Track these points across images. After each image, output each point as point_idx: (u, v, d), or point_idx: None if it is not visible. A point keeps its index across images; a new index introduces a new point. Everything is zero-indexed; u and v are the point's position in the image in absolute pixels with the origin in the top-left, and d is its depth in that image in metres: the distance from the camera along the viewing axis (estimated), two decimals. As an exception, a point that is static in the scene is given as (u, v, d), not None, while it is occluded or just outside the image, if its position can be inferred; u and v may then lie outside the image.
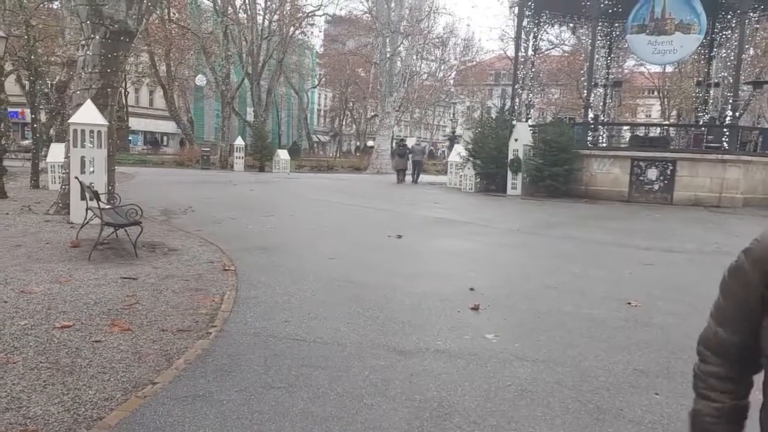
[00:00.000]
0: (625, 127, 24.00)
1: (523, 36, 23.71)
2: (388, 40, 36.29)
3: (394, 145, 35.08)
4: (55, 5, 23.96)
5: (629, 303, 6.08)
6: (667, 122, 39.67)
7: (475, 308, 5.67)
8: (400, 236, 9.98)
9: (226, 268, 7.09)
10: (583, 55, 36.21)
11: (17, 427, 3.07)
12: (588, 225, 13.07)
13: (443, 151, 73.81)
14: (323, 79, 63.64)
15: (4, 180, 13.70)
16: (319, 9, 42.40)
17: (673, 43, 20.65)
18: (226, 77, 33.78)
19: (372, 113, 57.34)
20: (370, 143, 55.14)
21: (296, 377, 3.88)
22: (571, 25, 26.98)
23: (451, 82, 61.05)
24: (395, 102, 37.31)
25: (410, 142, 41.81)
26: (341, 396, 3.62)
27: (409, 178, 27.19)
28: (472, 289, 6.40)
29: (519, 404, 3.59)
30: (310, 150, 57.08)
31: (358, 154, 56.24)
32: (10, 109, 18.14)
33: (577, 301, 6.14)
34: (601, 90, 25.08)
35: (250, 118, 42.19)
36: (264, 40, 38.85)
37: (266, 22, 39.57)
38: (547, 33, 31.06)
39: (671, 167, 18.69)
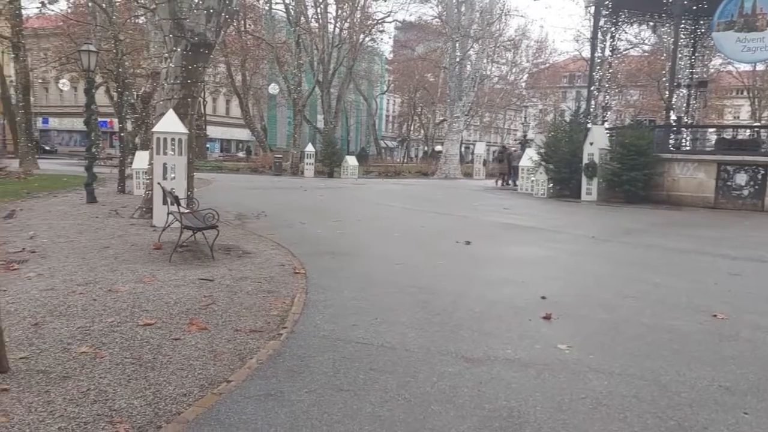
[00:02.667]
0: (711, 130, 22.71)
1: (599, 36, 22.98)
2: (457, 44, 36.09)
3: (462, 149, 35.06)
4: (141, 20, 25.30)
5: (714, 315, 5.75)
6: (757, 124, 37.34)
7: (547, 317, 5.52)
8: (468, 242, 9.88)
9: (297, 271, 7.24)
10: (664, 55, 34.65)
11: (104, 418, 3.24)
12: (669, 232, 12.49)
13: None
14: (392, 85, 64.04)
15: (94, 185, 14.55)
16: (389, 16, 43.01)
17: (764, 40, 19.41)
18: (298, 85, 34.59)
19: (440, 118, 57.13)
20: (438, 148, 54.96)
21: (364, 381, 3.90)
22: (652, 23, 25.88)
23: (523, 85, 60.02)
24: (464, 106, 37.03)
25: (479, 148, 41.42)
26: (409, 401, 3.61)
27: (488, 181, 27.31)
28: (543, 297, 6.25)
29: (594, 417, 3.47)
30: (377, 156, 57.51)
31: (423, 156, 56.18)
32: (99, 119, 19.32)
33: (657, 312, 5.87)
34: (684, 91, 23.89)
35: (320, 125, 43.05)
36: (335, 48, 39.57)
37: (337, 30, 40.31)
38: (626, 32, 29.92)
39: (762, 172, 17.57)
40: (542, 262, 8.77)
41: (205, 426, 3.21)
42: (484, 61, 42.83)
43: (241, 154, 55.03)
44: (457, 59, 36.28)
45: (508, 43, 51.22)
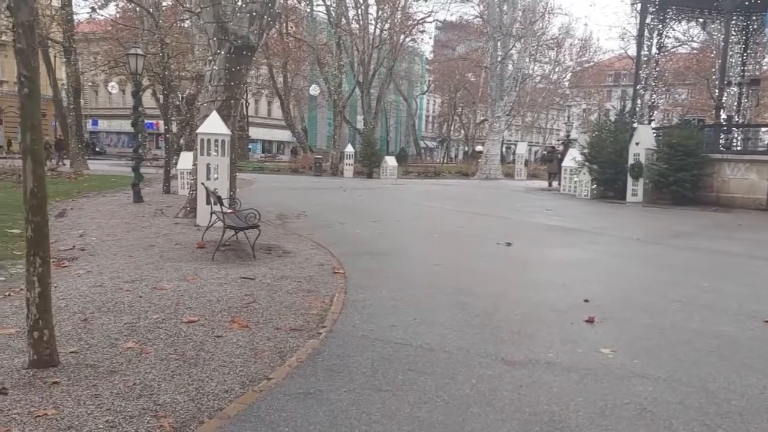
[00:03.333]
0: (764, 129, 21.91)
1: (646, 34, 22.40)
2: (499, 44, 35.74)
3: (504, 149, 34.80)
4: (187, 24, 25.90)
5: (767, 321, 5.54)
6: (813, 123, 35.77)
7: (590, 321, 5.41)
8: (509, 244, 9.76)
9: (336, 271, 7.29)
10: (714, 52, 33.52)
11: (149, 412, 3.32)
12: (718, 235, 12.08)
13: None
14: (432, 85, 63.86)
15: (140, 186, 14.96)
16: (429, 16, 42.85)
17: (820, 35, 18.62)
18: (339, 86, 34.83)
19: (481, 118, 56.68)
20: (478, 148, 54.57)
21: (403, 381, 3.90)
22: (701, 20, 25.07)
23: (566, 84, 59.00)
24: (506, 106, 36.65)
25: (521, 148, 40.91)
26: (447, 403, 3.58)
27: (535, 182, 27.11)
28: (586, 300, 6.12)
29: (638, 424, 3.38)
30: (417, 156, 57.41)
31: (465, 156, 55.81)
32: (146, 121, 19.87)
33: (706, 317, 5.68)
34: (735, 89, 23.05)
35: (360, 125, 43.24)
36: (375, 49, 39.68)
37: (377, 31, 40.40)
38: (674, 30, 29.02)
39: (817, 172, 16.85)
40: (585, 264, 8.60)
41: (246, 422, 3.26)
42: (527, 60, 42.27)
43: (282, 157, 55.77)
44: (499, 58, 35.93)
45: (551, 41, 50.40)
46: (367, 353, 4.40)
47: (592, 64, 57.40)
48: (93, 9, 28.93)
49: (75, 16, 30.01)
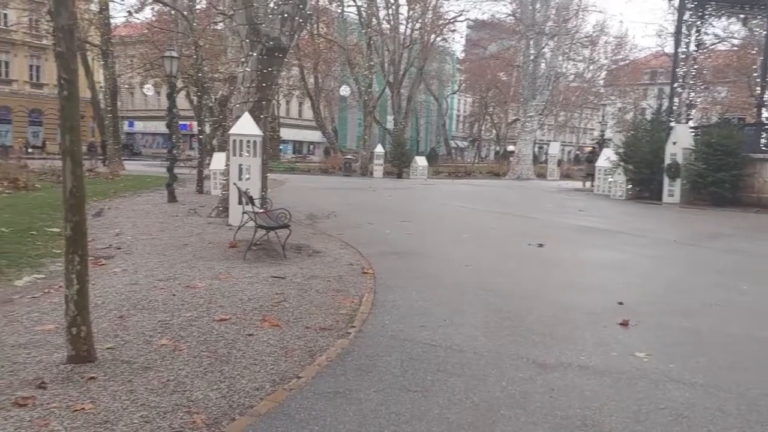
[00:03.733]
0: (807, 127, 21.18)
1: (684, 30, 21.87)
2: (532, 42, 35.36)
3: (536, 149, 34.43)
4: (220, 26, 26.28)
5: (809, 326, 5.36)
6: None
7: (624, 324, 5.30)
8: (541, 245, 9.64)
9: (365, 271, 7.30)
10: (756, 49, 32.55)
11: (182, 408, 3.38)
12: (759, 237, 11.74)
13: (584, 155, 70.24)
14: (463, 85, 63.49)
15: (174, 186, 15.23)
16: (461, 15, 42.69)
17: None
18: (369, 87, 34.90)
19: (513, 117, 56.14)
20: (510, 148, 54.04)
21: (432, 382, 3.88)
22: (742, 16, 24.42)
23: (601, 82, 57.97)
24: (538, 105, 36.24)
25: (554, 148, 40.39)
26: (477, 405, 3.55)
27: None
28: (621, 303, 6.01)
29: (673, 430, 3.30)
30: (447, 156, 57.13)
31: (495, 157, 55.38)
32: (180, 122, 20.22)
33: (745, 322, 5.52)
34: (777, 86, 22.38)
35: (390, 125, 43.25)
36: (405, 49, 39.64)
37: (408, 31, 40.35)
38: (713, 26, 28.33)
39: None
40: (619, 266, 8.44)
41: (276, 420, 3.29)
42: (560, 58, 41.71)
43: (313, 158, 56.17)
44: (531, 57, 35.54)
45: (585, 39, 49.57)
46: (396, 353, 4.40)
47: (627, 62, 56.29)
48: (129, 13, 29.61)
49: (112, 20, 30.69)
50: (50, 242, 8.49)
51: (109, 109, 29.98)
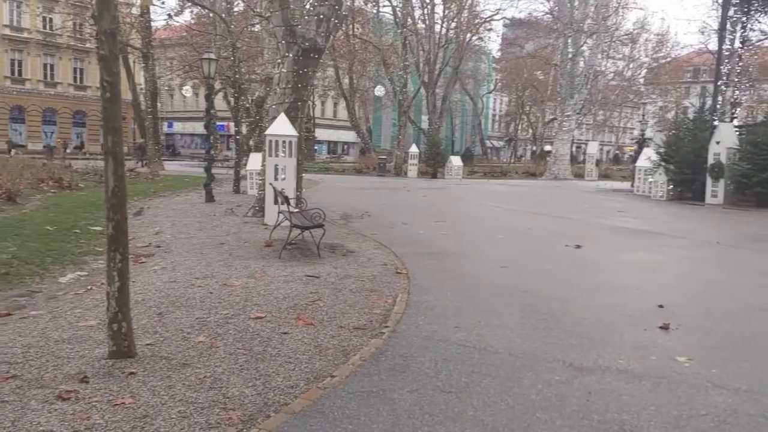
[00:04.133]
0: None
1: (728, 27, 21.26)
2: (570, 40, 34.82)
3: (574, 149, 33.86)
4: (257, 28, 26.65)
5: None
6: None
7: (665, 327, 5.17)
8: (578, 246, 9.48)
9: (399, 271, 7.29)
10: (804, 45, 31.43)
11: (219, 404, 3.43)
12: (806, 239, 11.31)
13: (630, 156, 68.84)
14: (499, 84, 62.96)
15: (212, 186, 15.49)
16: (497, 13, 42.49)
17: None
18: (404, 87, 34.89)
19: (550, 116, 55.38)
20: (547, 148, 53.38)
21: (466, 384, 3.85)
22: (789, 11, 23.55)
23: (641, 80, 56.75)
24: (576, 104, 35.66)
25: (592, 147, 39.69)
26: (512, 407, 3.51)
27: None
28: (661, 306, 5.86)
29: (716, 437, 3.20)
30: (483, 156, 56.75)
31: (531, 159, 54.71)
32: (218, 123, 20.56)
33: (792, 326, 5.33)
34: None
35: (424, 125, 43.13)
36: (441, 48, 39.50)
37: (443, 30, 40.22)
38: (759, 22, 27.37)
39: None
40: (659, 268, 8.24)
41: (311, 418, 3.31)
42: (599, 56, 40.98)
43: (347, 158, 56.45)
44: (569, 55, 35.00)
45: (625, 37, 48.61)
46: (430, 354, 4.38)
47: (669, 59, 54.92)
48: (169, 16, 30.32)
49: (153, 23, 31.44)
50: (93, 240, 8.74)
51: (149, 110, 30.70)
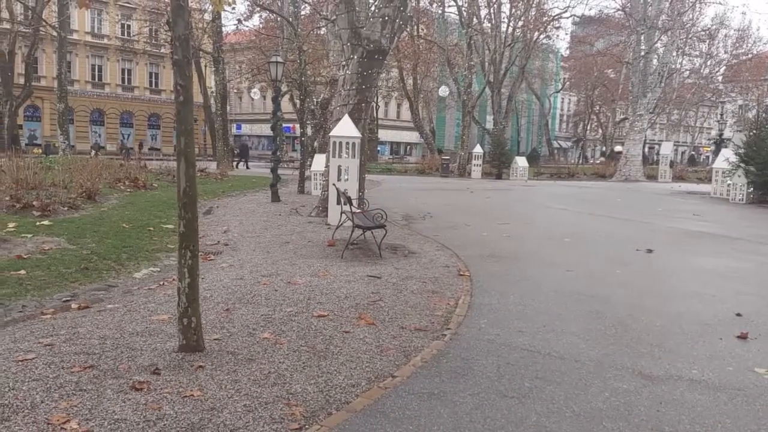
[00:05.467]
0: None
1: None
2: (643, 37, 33.56)
3: (646, 149, 32.55)
4: (323, 31, 27.07)
5: None
6: None
7: (743, 336, 4.90)
8: (650, 251, 9.12)
9: (461, 273, 7.23)
10: None
11: (282, 400, 3.50)
12: None
13: (707, 157, 65.66)
14: (567, 83, 61.43)
15: (278, 186, 15.85)
16: (566, 11, 41.26)
17: None
18: (468, 87, 34.58)
19: (621, 116, 53.55)
20: (617, 148, 51.64)
21: (530, 389, 3.77)
22: None
23: (720, 78, 53.99)
24: (649, 104, 34.30)
25: (666, 148, 38.10)
26: (577, 415, 3.41)
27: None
28: (738, 314, 5.56)
29: (800, 457, 3.00)
30: (550, 156, 55.49)
31: (600, 159, 53.03)
32: (284, 125, 21.03)
33: None
34: None
35: (489, 126, 42.62)
36: (507, 48, 38.91)
37: (510, 29, 39.60)
38: None
39: None
40: (737, 275, 7.80)
41: (372, 417, 3.33)
42: (674, 53, 39.24)
43: (410, 158, 56.54)
44: (642, 53, 33.73)
45: (703, 33, 46.33)
46: (492, 358, 4.32)
47: (750, 56, 52.01)
48: (239, 21, 31.20)
49: (223, 28, 32.48)
50: (165, 238, 9.11)
51: (219, 113, 31.74)
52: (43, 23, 32.33)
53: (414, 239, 9.89)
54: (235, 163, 33.46)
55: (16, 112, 35.69)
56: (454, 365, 4.15)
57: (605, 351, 4.54)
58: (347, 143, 10.95)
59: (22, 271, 6.30)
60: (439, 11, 39.75)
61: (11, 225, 8.50)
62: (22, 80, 35.70)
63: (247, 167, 32.99)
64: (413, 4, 32.72)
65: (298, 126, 25.20)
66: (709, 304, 6.03)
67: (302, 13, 25.48)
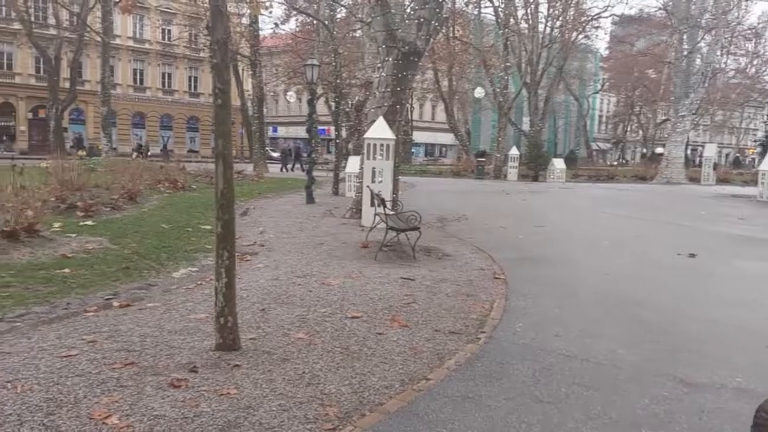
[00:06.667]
0: None
1: None
2: (685, 36, 32.73)
3: (689, 151, 31.72)
4: (358, 34, 27.21)
5: None
6: None
7: (790, 345, 4.72)
8: (692, 255, 8.87)
9: (497, 276, 7.16)
10: None
11: (316, 400, 3.52)
12: None
13: (752, 159, 63.62)
14: (606, 84, 60.37)
15: (312, 188, 15.97)
16: (605, 10, 40.61)
17: None
18: (504, 88, 34.28)
19: (663, 117, 52.36)
20: (658, 150, 50.54)
21: (566, 395, 3.71)
22: None
23: (767, 78, 52.30)
24: (692, 104, 33.42)
25: (710, 150, 37.07)
26: (616, 422, 3.34)
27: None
28: (785, 321, 5.36)
29: None
30: (588, 158, 54.61)
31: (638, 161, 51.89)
32: (319, 127, 21.19)
33: None
34: None
35: (525, 127, 42.15)
36: (544, 48, 38.46)
37: (547, 30, 39.14)
38: None
39: None
40: (785, 281, 7.53)
41: (405, 419, 3.32)
42: (718, 53, 38.22)
43: (444, 160, 56.34)
44: (685, 52, 32.90)
45: (749, 31, 45.01)
46: (528, 362, 4.26)
47: (799, 54, 50.28)
48: (276, 24, 31.57)
49: (260, 32, 32.91)
50: (203, 238, 9.27)
51: (255, 115, 32.17)
52: (88, 29, 33.33)
53: (448, 241, 9.84)
54: (290, 167, 33.78)
55: (62, 115, 36.80)
56: (488, 369, 4.11)
57: (644, 357, 4.43)
58: (381, 145, 10.97)
59: (67, 270, 6.49)
60: (475, 12, 39.51)
61: (57, 225, 8.76)
62: (67, 84, 36.82)
63: (292, 170, 33.28)
64: (449, 6, 32.58)
65: (332, 128, 25.35)
66: (753, 311, 5.84)
67: (338, 16, 25.65)
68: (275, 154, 49.38)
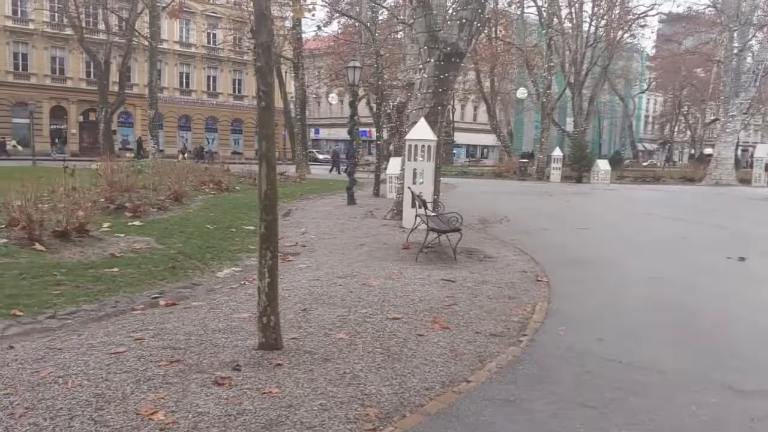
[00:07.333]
0: None
1: None
2: (736, 34, 31.63)
3: (739, 152, 30.62)
4: (400, 35, 27.22)
5: None
6: None
7: None
8: (742, 259, 8.57)
9: (539, 278, 7.07)
10: None
11: (357, 401, 3.55)
12: None
13: None
14: (653, 83, 58.82)
15: (354, 189, 16.07)
16: (652, 8, 39.56)
17: None
18: (548, 88, 33.79)
19: (712, 117, 50.70)
20: (707, 151, 48.94)
21: (610, 400, 3.64)
22: None
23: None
24: (742, 104, 32.26)
25: (763, 150, 35.71)
26: (661, 428, 3.27)
27: None
28: None
29: None
30: (634, 159, 53.30)
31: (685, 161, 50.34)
32: (360, 129, 21.30)
33: None
34: None
35: (569, 128, 41.44)
36: (588, 48, 37.76)
37: (592, 29, 38.40)
38: None
39: None
40: (844, 287, 7.21)
41: (446, 421, 3.32)
42: (770, 50, 36.76)
43: (486, 161, 55.90)
44: (735, 51, 31.79)
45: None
46: (570, 366, 4.20)
47: None
48: (318, 27, 31.89)
49: (303, 35, 33.29)
50: (246, 239, 9.44)
51: (298, 117, 32.55)
52: (136, 34, 34.34)
53: (490, 243, 9.76)
54: (342, 168, 34.12)
55: (111, 118, 38.00)
56: (530, 372, 4.07)
57: (690, 362, 4.31)
58: (422, 146, 10.95)
59: (116, 269, 6.71)
60: (518, 12, 39.06)
61: (106, 225, 9.06)
62: (116, 88, 38.01)
63: (339, 172, 33.54)
64: (491, 6, 32.34)
65: (374, 130, 25.44)
66: (810, 318, 5.60)
67: (380, 17, 25.74)
68: (321, 157, 49.71)
